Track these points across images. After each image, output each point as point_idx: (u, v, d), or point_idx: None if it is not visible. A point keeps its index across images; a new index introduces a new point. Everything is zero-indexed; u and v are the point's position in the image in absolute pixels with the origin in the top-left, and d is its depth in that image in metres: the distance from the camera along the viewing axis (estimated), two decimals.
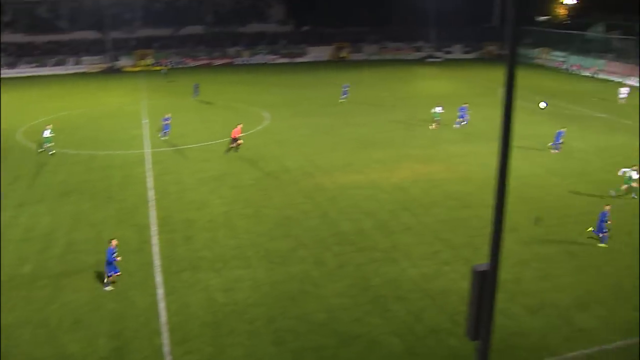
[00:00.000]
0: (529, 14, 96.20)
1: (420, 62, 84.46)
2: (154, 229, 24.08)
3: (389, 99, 52.98)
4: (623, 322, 17.53)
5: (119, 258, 19.17)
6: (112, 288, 19.16)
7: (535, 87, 60.31)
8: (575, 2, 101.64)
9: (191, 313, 17.85)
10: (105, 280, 19.24)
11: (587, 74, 74.23)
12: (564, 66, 79.22)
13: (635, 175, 27.89)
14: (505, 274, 19.80)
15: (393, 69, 74.74)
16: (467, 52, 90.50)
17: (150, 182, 30.18)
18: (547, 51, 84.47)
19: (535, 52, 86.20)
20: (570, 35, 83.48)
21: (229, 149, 35.03)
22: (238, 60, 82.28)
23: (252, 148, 36.05)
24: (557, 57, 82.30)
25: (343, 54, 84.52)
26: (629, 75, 68.66)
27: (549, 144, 36.53)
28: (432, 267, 20.81)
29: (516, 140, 36.82)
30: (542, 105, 45.04)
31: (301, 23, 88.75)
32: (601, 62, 74.66)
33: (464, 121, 42.42)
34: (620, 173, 28.55)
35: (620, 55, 73.92)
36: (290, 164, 33.10)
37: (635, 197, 27.93)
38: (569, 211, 26.25)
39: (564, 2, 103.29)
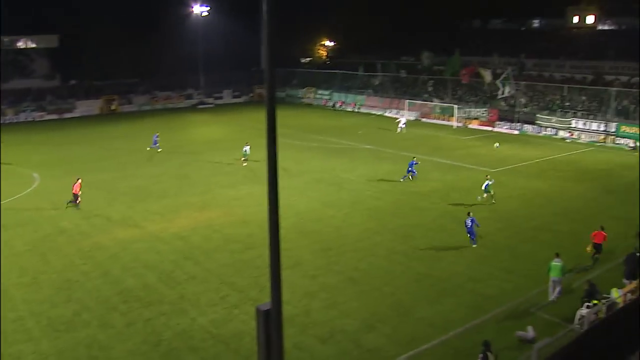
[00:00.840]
0: (294, 56, 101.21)
1: (192, 109, 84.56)
2: None
3: (162, 149, 52.06)
4: (407, 336, 18.82)
5: None
6: None
7: (305, 125, 63.36)
8: (334, 44, 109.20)
9: None
10: None
11: (350, 109, 79.83)
12: (329, 103, 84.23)
13: (489, 183, 34.06)
14: (293, 308, 20.27)
15: (165, 118, 73.81)
16: (236, 97, 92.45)
17: None
18: (313, 90, 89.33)
19: (302, 91, 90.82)
20: (333, 74, 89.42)
21: (69, 205, 33.59)
22: (2, 120, 75.59)
23: (23, 211, 33.16)
24: (322, 95, 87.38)
25: (113, 106, 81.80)
26: (388, 107, 75.30)
27: (404, 177, 38.25)
28: (221, 312, 20.58)
29: (291, 177, 38.91)
30: (496, 145, 51.90)
31: (67, 77, 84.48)
32: (361, 97, 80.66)
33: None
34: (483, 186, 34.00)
35: (377, 90, 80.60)
36: (66, 225, 30.90)
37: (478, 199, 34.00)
38: (346, 240, 27.65)
39: (324, 44, 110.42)
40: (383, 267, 24.42)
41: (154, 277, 23.75)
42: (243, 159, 44.28)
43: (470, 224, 26.87)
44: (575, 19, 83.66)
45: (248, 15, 59.99)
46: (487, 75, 67.54)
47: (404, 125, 60.70)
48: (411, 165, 39.28)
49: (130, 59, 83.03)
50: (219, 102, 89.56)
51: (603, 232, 25.14)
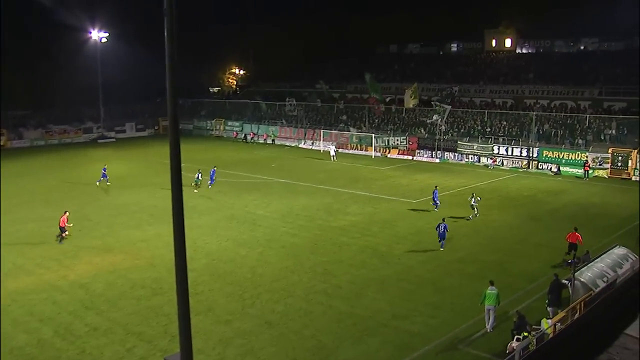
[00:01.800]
0: (202, 85, 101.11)
1: (92, 143, 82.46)
2: None
3: (58, 188, 50.47)
4: None
5: None
6: None
7: (215, 159, 63.01)
8: (244, 72, 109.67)
9: None
10: None
11: (262, 141, 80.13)
12: (240, 135, 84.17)
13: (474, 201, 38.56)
14: (207, 357, 19.90)
15: (61, 154, 71.60)
16: (140, 130, 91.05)
17: None
18: (222, 122, 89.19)
19: (211, 123, 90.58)
20: (244, 104, 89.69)
21: (60, 238, 34.01)
22: None
23: None
24: (233, 127, 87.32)
25: (1, 141, 78.70)
26: (302, 138, 75.97)
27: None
28: None
29: (201, 216, 38.46)
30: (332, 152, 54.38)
31: None
32: (274, 128, 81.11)
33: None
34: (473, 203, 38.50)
35: (291, 121, 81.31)
36: None
37: (470, 218, 38.10)
38: (262, 281, 27.47)
39: (234, 72, 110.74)
40: (302, 308, 24.36)
41: (49, 332, 22.73)
42: (194, 184, 47.30)
43: (442, 230, 31.50)
44: (494, 43, 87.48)
45: (152, 42, 59.29)
46: (409, 98, 69.60)
47: (334, 154, 64.29)
48: (435, 195, 40.82)
49: (21, 88, 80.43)
50: (121, 136, 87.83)
51: (577, 233, 29.36)
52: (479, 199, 39.41)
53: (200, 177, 48.13)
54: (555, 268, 27.61)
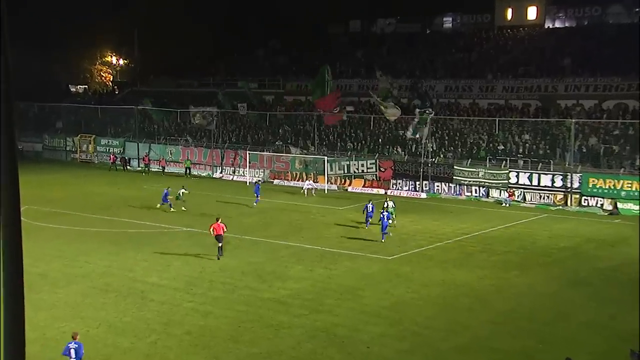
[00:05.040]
0: (57, 82, 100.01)
1: None
2: None
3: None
4: None
5: None
6: None
7: (81, 197, 62.58)
8: (126, 62, 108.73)
9: None
10: None
11: (157, 168, 79.55)
12: (115, 160, 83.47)
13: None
14: None
15: None
16: None
17: None
18: (92, 139, 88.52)
19: (74, 141, 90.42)
20: (126, 112, 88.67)
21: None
22: None
23: None
24: (108, 147, 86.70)
25: None
26: (218, 165, 75.35)
27: None
28: None
29: (56, 288, 37.34)
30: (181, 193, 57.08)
31: None
32: (175, 148, 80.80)
33: None
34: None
35: (200, 137, 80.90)
36: None
37: None
38: None
39: (110, 62, 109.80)
40: None
41: None
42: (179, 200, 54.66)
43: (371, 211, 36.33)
44: (509, 14, 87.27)
45: None
46: (382, 104, 68.76)
47: (310, 187, 66.06)
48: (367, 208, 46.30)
49: None
50: None
51: None
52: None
53: (182, 194, 56.94)
54: None
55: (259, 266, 41.85)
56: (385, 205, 48.37)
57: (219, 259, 42.46)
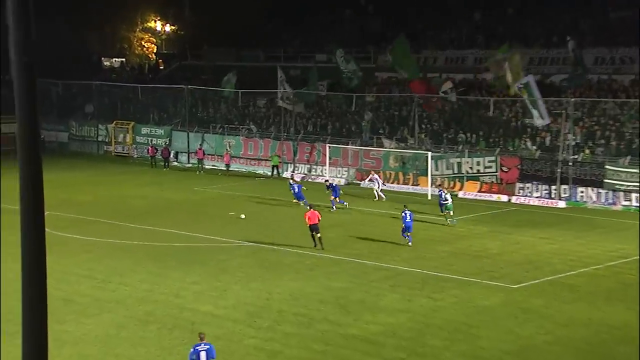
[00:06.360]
0: (87, 55, 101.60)
1: None
2: None
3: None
4: None
5: None
6: None
7: (115, 202, 63.72)
8: (173, 28, 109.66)
9: None
10: None
11: (212, 165, 79.62)
12: (159, 153, 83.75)
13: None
14: None
15: None
16: None
17: None
18: (130, 126, 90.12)
19: (108, 129, 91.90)
20: (175, 92, 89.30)
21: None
22: None
23: None
24: (150, 137, 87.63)
25: None
26: (289, 161, 75.32)
27: None
28: None
29: (83, 317, 38.16)
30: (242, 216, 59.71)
31: None
32: (234, 139, 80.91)
33: None
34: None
35: (266, 126, 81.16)
36: None
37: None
38: None
39: (153, 29, 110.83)
40: None
41: None
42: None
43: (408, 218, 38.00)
44: None
45: None
46: (508, 74, 66.78)
47: (379, 188, 66.53)
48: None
49: None
50: None
51: None
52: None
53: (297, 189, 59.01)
54: None
55: (342, 293, 42.02)
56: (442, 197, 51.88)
57: (322, 248, 48.20)
